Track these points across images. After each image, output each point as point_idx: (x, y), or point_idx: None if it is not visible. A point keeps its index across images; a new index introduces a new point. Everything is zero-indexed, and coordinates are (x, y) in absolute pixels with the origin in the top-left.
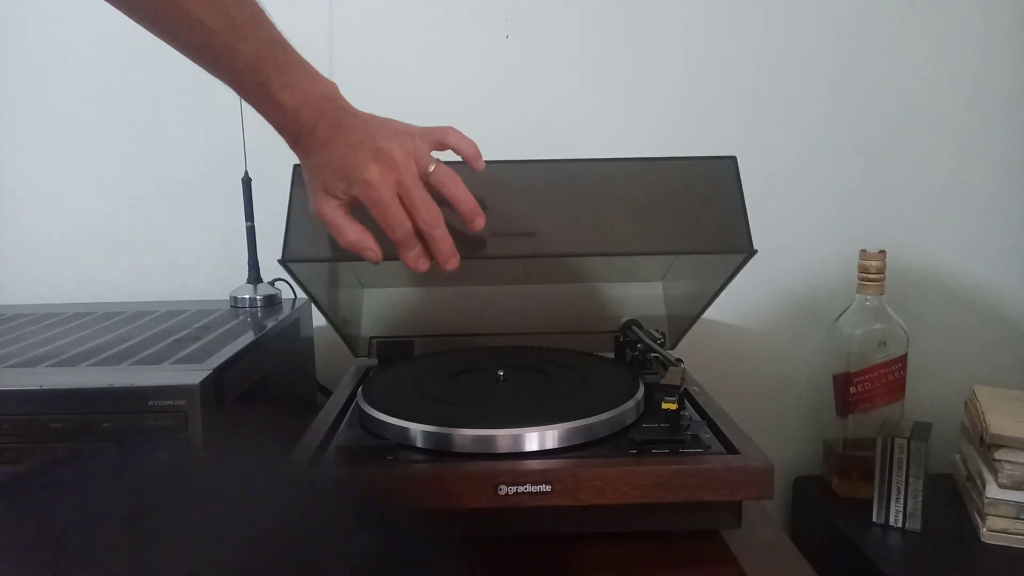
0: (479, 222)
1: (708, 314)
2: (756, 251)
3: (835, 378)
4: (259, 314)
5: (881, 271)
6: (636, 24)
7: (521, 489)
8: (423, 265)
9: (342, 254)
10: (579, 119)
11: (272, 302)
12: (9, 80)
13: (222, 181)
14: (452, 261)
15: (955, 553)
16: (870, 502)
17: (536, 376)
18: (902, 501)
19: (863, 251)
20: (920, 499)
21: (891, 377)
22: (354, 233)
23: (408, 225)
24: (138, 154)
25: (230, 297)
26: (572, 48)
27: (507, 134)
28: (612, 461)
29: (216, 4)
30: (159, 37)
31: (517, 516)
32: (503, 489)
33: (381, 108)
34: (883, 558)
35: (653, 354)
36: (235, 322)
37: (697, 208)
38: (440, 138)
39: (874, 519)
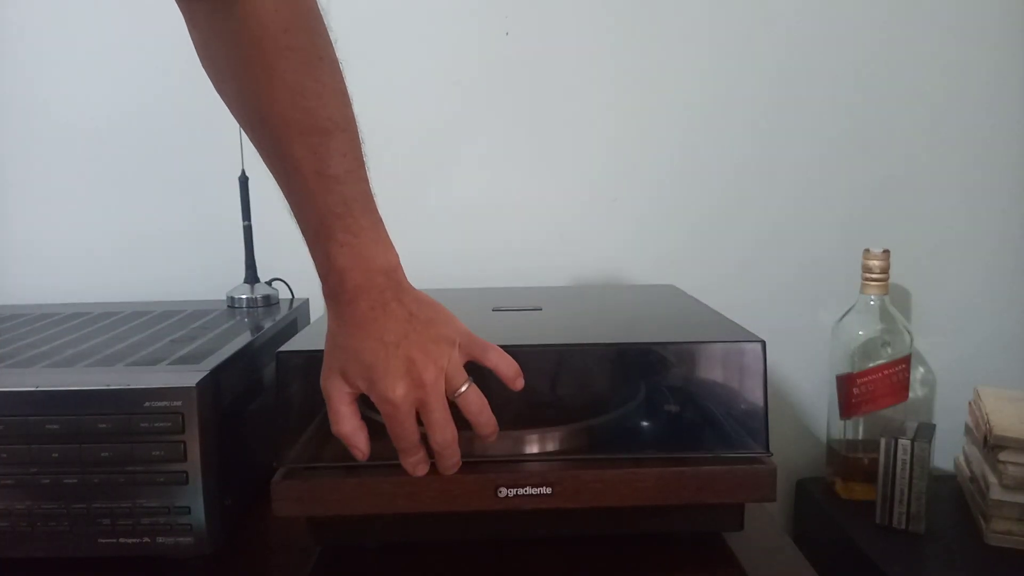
0: (493, 438)
1: None
2: (774, 461)
3: (838, 379)
4: (256, 314)
5: (885, 271)
6: (638, 22)
7: (521, 492)
8: (421, 471)
9: (334, 456)
10: (580, 116)
11: (269, 302)
12: (7, 80)
13: (219, 180)
14: (453, 470)
15: (959, 555)
16: (873, 504)
17: (536, 376)
18: (905, 503)
19: (866, 251)
20: (923, 501)
21: (894, 378)
22: (350, 428)
23: (416, 438)
24: (134, 153)
25: (227, 297)
26: (573, 45)
27: (506, 132)
28: (613, 463)
29: (317, 149)
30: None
31: (517, 519)
32: (503, 492)
33: (379, 106)
34: (886, 560)
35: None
36: (232, 322)
37: (713, 400)
38: (479, 356)
39: (877, 521)
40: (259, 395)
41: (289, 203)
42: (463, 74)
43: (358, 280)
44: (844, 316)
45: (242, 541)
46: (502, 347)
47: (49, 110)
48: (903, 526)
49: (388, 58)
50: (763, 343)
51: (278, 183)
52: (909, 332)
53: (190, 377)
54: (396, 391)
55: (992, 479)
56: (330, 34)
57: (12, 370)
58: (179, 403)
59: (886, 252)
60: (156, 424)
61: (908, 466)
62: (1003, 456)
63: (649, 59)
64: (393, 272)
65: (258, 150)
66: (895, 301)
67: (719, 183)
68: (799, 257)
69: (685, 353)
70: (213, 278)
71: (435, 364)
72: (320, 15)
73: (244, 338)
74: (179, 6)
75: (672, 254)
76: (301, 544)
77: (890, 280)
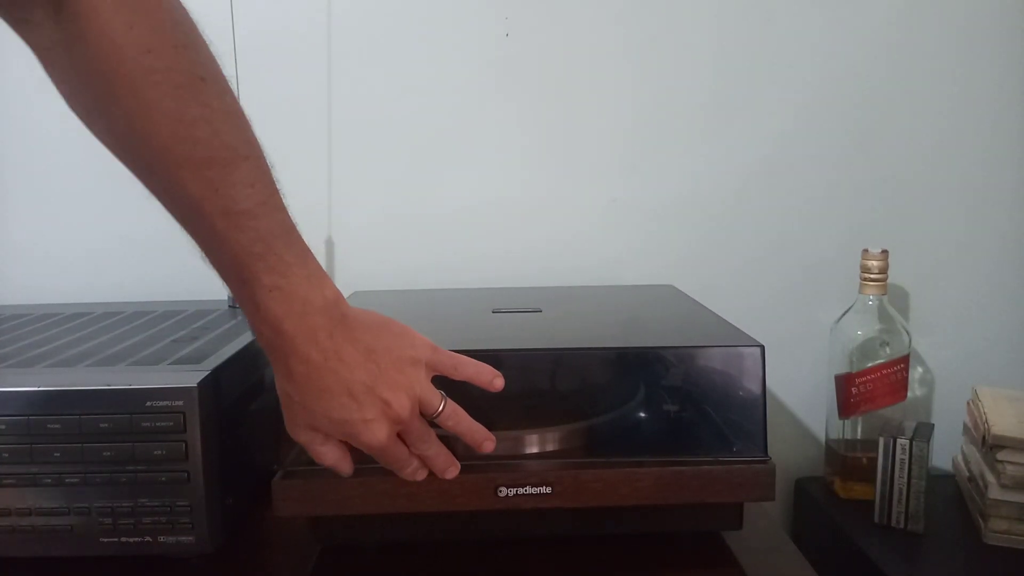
0: (488, 446)
1: None
2: (772, 462)
3: (837, 379)
4: None
5: (883, 271)
6: (640, 24)
7: (521, 491)
8: (420, 476)
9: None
10: (581, 118)
11: None
12: (7, 80)
13: None
14: (451, 470)
15: (957, 554)
16: (872, 503)
17: (537, 380)
18: (904, 502)
19: (865, 251)
20: (922, 500)
21: (893, 377)
22: (333, 459)
23: (407, 455)
24: None
25: (228, 297)
26: (573, 47)
27: (505, 132)
28: (613, 463)
29: (218, 184)
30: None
31: (517, 518)
32: (503, 491)
33: (380, 105)
34: (885, 560)
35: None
36: (233, 323)
37: (712, 404)
38: (449, 373)
39: (876, 520)
40: (260, 395)
41: (199, 247)
42: (462, 76)
43: (296, 328)
44: (843, 316)
45: (243, 540)
46: (503, 351)
47: (49, 110)
48: (901, 525)
49: (387, 59)
50: (762, 348)
51: (181, 226)
52: (908, 332)
53: (191, 377)
54: (379, 437)
55: (990, 478)
56: (211, 48)
57: (14, 370)
58: (180, 403)
59: (884, 252)
60: (158, 424)
61: (907, 465)
62: (1001, 456)
63: (651, 61)
64: (334, 307)
65: (150, 192)
66: (894, 301)
67: (720, 184)
68: (799, 257)
69: (684, 358)
70: (214, 278)
71: (408, 395)
72: (194, 27)
73: (245, 338)
74: (22, 38)
75: (672, 254)
76: (301, 544)
77: (889, 280)
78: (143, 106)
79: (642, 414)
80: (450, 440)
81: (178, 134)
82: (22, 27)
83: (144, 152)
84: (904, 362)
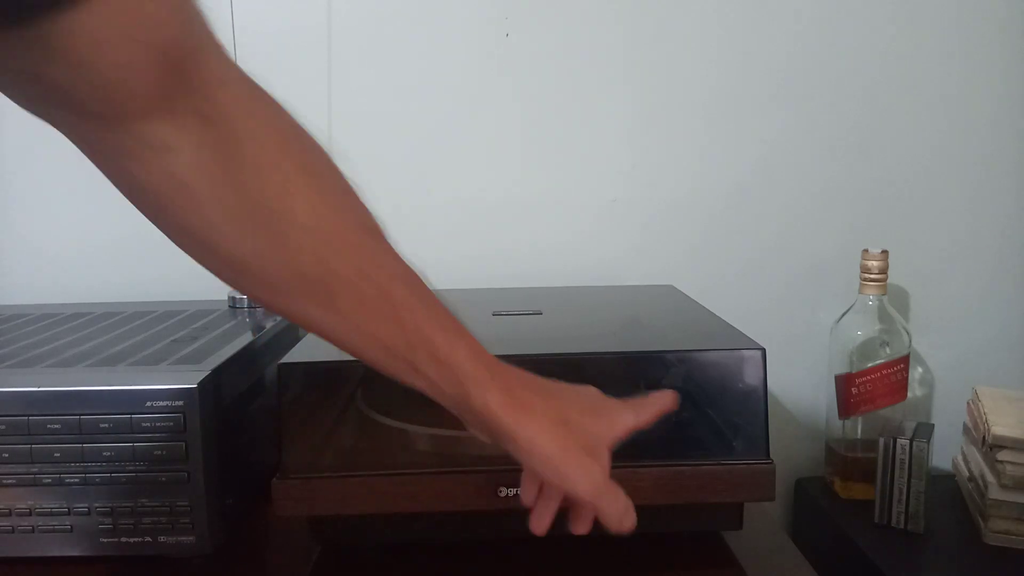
0: None
1: None
2: (772, 462)
3: (837, 379)
4: (257, 315)
5: (883, 271)
6: (639, 24)
7: None
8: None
9: (337, 467)
10: (581, 118)
11: None
12: None
13: None
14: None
15: (957, 555)
16: (872, 503)
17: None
18: (904, 502)
19: (865, 251)
20: (922, 500)
21: (893, 378)
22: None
23: None
24: None
25: (228, 298)
26: (573, 47)
27: (505, 132)
28: (612, 462)
29: (394, 254)
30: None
31: (517, 518)
32: (503, 491)
33: (380, 106)
34: (885, 560)
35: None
36: (233, 323)
37: (714, 407)
38: None
39: (876, 520)
40: (260, 395)
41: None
42: (462, 76)
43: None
44: (843, 316)
45: (243, 540)
46: (504, 356)
47: None
48: (902, 525)
49: (387, 59)
50: (763, 350)
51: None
52: (908, 332)
53: (191, 377)
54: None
55: (991, 479)
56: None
57: (14, 370)
58: (180, 403)
59: (884, 252)
60: (158, 424)
61: (906, 465)
62: (1001, 456)
63: (651, 61)
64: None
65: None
66: (894, 301)
67: (720, 184)
68: (799, 257)
69: (685, 361)
70: (214, 278)
71: None
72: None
73: (245, 338)
74: (142, 173)
75: (672, 254)
76: (301, 544)
77: (889, 280)
78: (323, 183)
79: None
80: (452, 440)
81: (355, 205)
82: (157, 156)
83: (331, 235)
84: (904, 362)
